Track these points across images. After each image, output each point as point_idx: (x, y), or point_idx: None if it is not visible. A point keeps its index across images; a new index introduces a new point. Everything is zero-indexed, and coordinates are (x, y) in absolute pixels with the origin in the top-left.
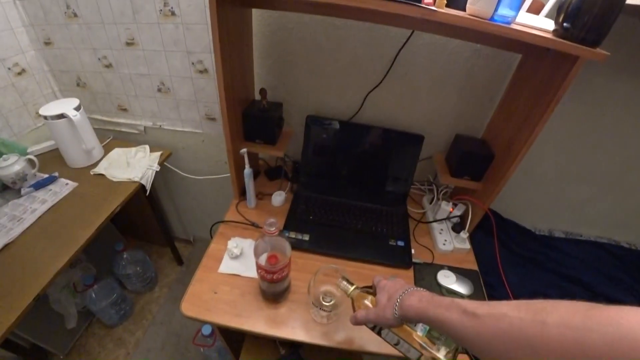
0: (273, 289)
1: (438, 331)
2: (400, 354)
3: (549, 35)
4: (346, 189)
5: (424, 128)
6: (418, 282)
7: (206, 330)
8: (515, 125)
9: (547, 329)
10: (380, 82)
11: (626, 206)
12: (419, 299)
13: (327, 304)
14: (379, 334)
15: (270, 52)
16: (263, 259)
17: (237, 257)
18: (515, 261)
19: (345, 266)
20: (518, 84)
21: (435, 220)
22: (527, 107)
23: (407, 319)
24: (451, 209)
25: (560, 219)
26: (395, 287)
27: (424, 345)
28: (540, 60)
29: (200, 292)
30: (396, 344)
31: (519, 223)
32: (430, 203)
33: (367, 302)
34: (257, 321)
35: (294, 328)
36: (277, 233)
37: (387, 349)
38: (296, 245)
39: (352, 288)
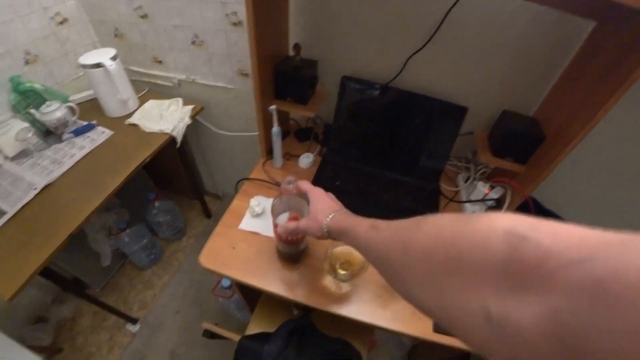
0: (289, 250)
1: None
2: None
3: None
4: (376, 158)
5: (468, 100)
6: None
7: (225, 283)
8: (575, 106)
9: (420, 230)
10: (425, 44)
11: None
12: (344, 219)
13: (343, 272)
14: None
15: (307, 4)
16: (282, 219)
17: (259, 216)
18: None
19: None
20: (585, 58)
21: (469, 201)
22: (592, 85)
23: (332, 235)
24: (487, 191)
25: (603, 218)
26: (329, 203)
27: None
28: (618, 30)
29: (220, 246)
30: None
31: (559, 214)
32: (466, 182)
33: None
34: (272, 281)
35: (307, 292)
36: (295, 192)
37: (398, 325)
38: None
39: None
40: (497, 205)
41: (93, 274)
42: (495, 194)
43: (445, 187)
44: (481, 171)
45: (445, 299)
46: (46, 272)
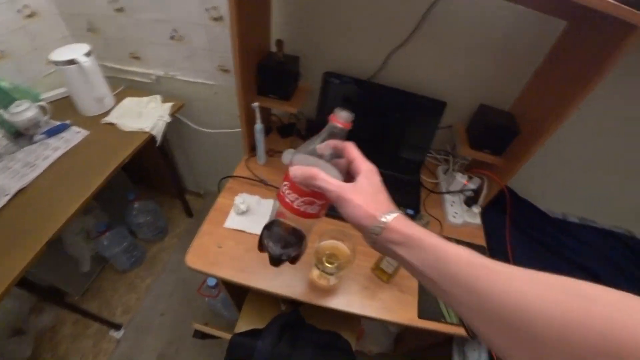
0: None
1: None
2: None
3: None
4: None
5: (448, 94)
6: None
7: (211, 282)
8: (549, 101)
9: (594, 309)
10: (406, 40)
11: None
12: (408, 224)
13: (330, 266)
14: None
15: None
16: (303, 157)
17: (244, 213)
18: (525, 242)
19: (352, 229)
20: (558, 55)
21: (448, 192)
22: (565, 81)
23: (387, 238)
24: (466, 182)
25: (577, 205)
26: (385, 195)
27: None
28: (588, 29)
29: (206, 245)
30: None
31: (534, 203)
32: (445, 173)
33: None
34: (260, 278)
35: (295, 287)
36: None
37: (386, 314)
38: None
39: None
40: (475, 195)
41: (72, 280)
42: (473, 185)
43: (425, 179)
44: (460, 163)
45: None
46: (22, 282)
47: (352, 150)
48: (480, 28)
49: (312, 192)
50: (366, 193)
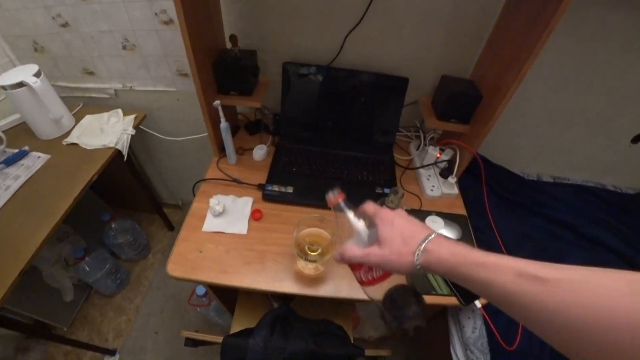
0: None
1: (475, 292)
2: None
3: None
4: (329, 138)
5: (409, 70)
6: None
7: (200, 290)
8: (504, 63)
9: None
10: (360, 20)
11: (614, 149)
12: (451, 252)
13: (312, 254)
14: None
15: None
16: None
17: (220, 215)
18: (504, 206)
19: (331, 216)
20: (507, 18)
21: (423, 166)
22: (516, 42)
23: (429, 271)
24: (438, 155)
25: (548, 164)
26: (410, 227)
27: None
28: None
29: (186, 251)
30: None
31: (508, 168)
32: (417, 149)
33: (362, 232)
34: (244, 276)
35: (282, 280)
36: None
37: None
38: (280, 198)
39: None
40: (449, 166)
41: (57, 312)
42: (446, 156)
43: (398, 157)
44: (430, 137)
45: None
46: (1, 320)
47: (369, 208)
48: None
49: (359, 264)
50: (391, 241)
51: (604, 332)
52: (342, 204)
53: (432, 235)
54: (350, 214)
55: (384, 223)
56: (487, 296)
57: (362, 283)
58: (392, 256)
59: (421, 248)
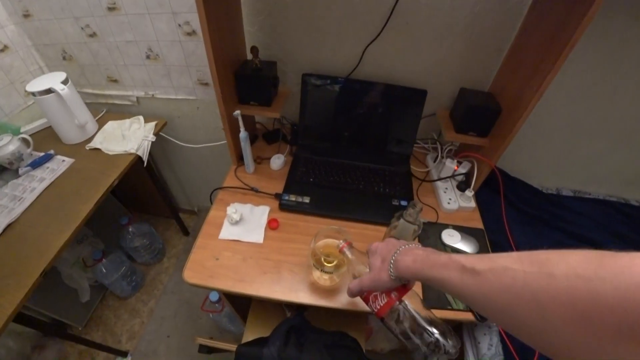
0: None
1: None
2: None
3: None
4: (347, 149)
5: (427, 82)
6: (422, 242)
7: (213, 296)
8: (525, 75)
9: (555, 281)
10: (379, 33)
11: (638, 163)
12: (413, 259)
13: (328, 265)
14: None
15: (259, 7)
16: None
17: (237, 223)
18: (522, 220)
19: (348, 227)
20: (528, 30)
21: (440, 179)
22: (538, 54)
23: (404, 280)
24: (456, 167)
25: (568, 177)
26: (387, 247)
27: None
28: (553, 1)
29: (202, 259)
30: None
31: (527, 182)
32: (435, 161)
33: (363, 267)
34: (261, 285)
35: (297, 291)
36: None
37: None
38: (296, 208)
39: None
40: (467, 179)
41: (73, 311)
42: (463, 169)
43: (415, 168)
44: (448, 149)
45: None
46: (21, 317)
47: (369, 247)
48: (449, 11)
49: (367, 294)
50: (374, 264)
51: (515, 308)
52: (346, 250)
53: (401, 248)
54: (354, 258)
55: (372, 253)
56: (447, 292)
57: (377, 314)
58: (376, 275)
59: (391, 261)
